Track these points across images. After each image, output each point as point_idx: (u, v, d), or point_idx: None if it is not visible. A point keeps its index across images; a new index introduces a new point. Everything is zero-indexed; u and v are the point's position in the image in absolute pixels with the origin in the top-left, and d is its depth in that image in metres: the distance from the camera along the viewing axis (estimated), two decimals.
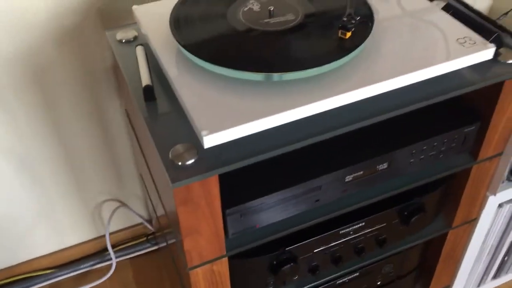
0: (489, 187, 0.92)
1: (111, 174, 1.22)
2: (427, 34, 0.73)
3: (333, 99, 0.63)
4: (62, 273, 1.30)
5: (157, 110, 0.70)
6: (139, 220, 1.34)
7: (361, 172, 0.76)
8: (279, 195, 0.71)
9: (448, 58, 0.68)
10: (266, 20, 0.72)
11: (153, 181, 0.88)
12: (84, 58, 0.99)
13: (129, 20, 0.87)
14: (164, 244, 1.07)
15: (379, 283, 1.02)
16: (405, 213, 0.87)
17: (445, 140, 0.78)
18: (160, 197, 0.84)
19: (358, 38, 0.68)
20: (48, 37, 0.93)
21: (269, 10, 0.73)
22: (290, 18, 0.73)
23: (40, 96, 1.00)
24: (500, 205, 0.99)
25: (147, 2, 0.81)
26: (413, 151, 0.77)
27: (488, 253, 1.10)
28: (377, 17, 0.75)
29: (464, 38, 0.71)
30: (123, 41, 0.82)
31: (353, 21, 0.66)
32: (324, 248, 0.84)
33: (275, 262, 0.81)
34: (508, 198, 0.98)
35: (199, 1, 0.77)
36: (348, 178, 0.75)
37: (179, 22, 0.73)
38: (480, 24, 0.77)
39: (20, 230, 1.20)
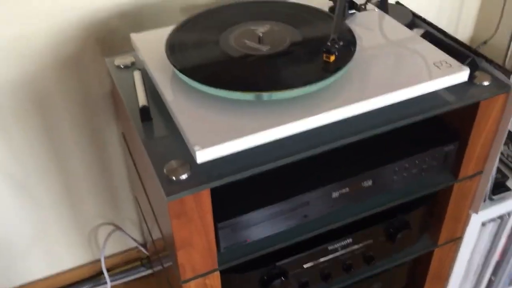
0: (471, 205, 0.96)
1: (107, 198, 1.25)
2: (407, 58, 0.78)
3: (318, 117, 0.68)
4: None
5: (153, 130, 0.74)
6: (134, 244, 1.37)
7: (347, 189, 0.79)
8: (269, 209, 0.74)
9: (425, 79, 0.73)
10: (255, 46, 0.77)
11: (148, 200, 0.91)
12: (83, 84, 1.03)
13: (127, 47, 0.92)
14: (159, 267, 1.09)
15: None
16: (391, 229, 0.91)
17: (426, 159, 0.82)
18: (155, 215, 0.88)
19: (342, 61, 0.73)
20: (48, 64, 0.97)
21: (259, 37, 0.78)
22: (278, 43, 0.77)
23: (39, 120, 1.04)
24: (484, 224, 1.02)
25: (143, 31, 0.86)
26: (396, 169, 0.81)
27: (474, 273, 1.13)
28: (360, 42, 0.80)
29: (440, 61, 0.76)
30: (121, 66, 0.86)
31: (337, 46, 0.71)
32: (314, 264, 0.87)
33: (265, 277, 0.83)
34: (491, 217, 1.02)
35: (193, 29, 0.82)
36: (335, 194, 0.79)
37: (174, 47, 0.77)
38: (456, 49, 0.82)
39: (14, 253, 1.22)
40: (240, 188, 0.75)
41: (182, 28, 0.82)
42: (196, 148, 0.63)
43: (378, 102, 0.71)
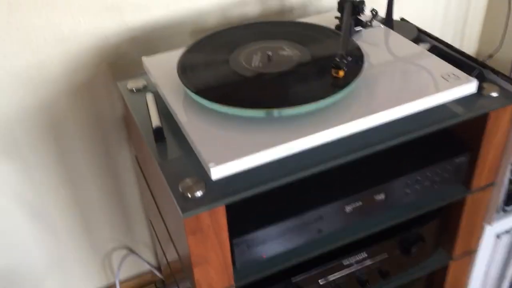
0: (485, 217, 0.96)
1: (120, 222, 1.26)
2: (414, 71, 0.79)
3: (328, 132, 0.69)
4: None
5: (167, 150, 0.75)
6: (148, 268, 1.37)
7: (360, 203, 0.80)
8: (283, 224, 0.75)
9: (434, 91, 0.74)
10: (265, 64, 0.79)
11: (163, 221, 0.92)
12: (95, 110, 1.05)
13: (138, 71, 0.94)
14: None
15: None
16: (405, 243, 0.91)
17: (438, 171, 0.83)
18: (170, 235, 0.88)
19: (350, 77, 0.74)
20: (61, 90, 0.99)
21: (268, 55, 0.79)
22: (287, 61, 0.79)
23: (53, 147, 1.06)
24: (498, 236, 1.02)
25: (153, 54, 0.89)
26: (408, 182, 0.82)
27: (491, 286, 1.12)
28: (368, 58, 0.82)
29: (448, 74, 0.77)
30: (134, 90, 0.88)
31: (345, 61, 0.72)
32: (329, 280, 0.87)
33: None
34: (506, 228, 1.01)
35: (203, 50, 0.84)
36: (348, 208, 0.79)
37: (185, 69, 0.79)
38: (463, 62, 0.84)
39: (30, 281, 1.23)
40: (254, 204, 0.76)
41: (192, 50, 0.84)
42: (210, 165, 0.64)
43: (388, 116, 0.72)
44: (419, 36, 0.95)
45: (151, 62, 0.87)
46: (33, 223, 1.14)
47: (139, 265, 1.36)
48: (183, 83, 0.76)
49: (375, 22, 0.91)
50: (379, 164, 0.83)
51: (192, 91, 0.74)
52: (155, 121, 0.76)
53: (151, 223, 1.22)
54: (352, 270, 0.89)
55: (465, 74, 0.77)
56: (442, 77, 0.77)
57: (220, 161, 0.65)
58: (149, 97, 0.82)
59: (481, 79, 0.78)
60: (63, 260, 1.24)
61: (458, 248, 0.99)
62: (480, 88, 0.79)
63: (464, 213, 0.92)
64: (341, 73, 0.73)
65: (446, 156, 0.83)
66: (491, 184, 0.90)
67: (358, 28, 0.89)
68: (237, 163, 0.65)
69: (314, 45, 0.83)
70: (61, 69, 0.97)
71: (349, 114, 0.71)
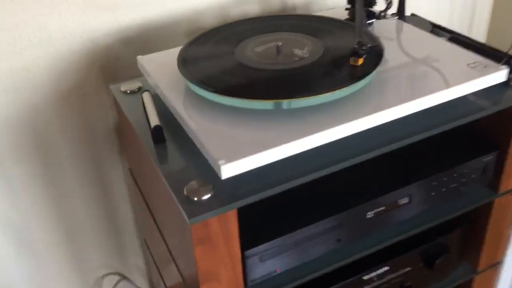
0: None
1: (112, 245, 1.17)
2: (438, 61, 0.72)
3: (348, 125, 0.61)
4: None
5: (167, 152, 0.67)
6: None
7: (383, 208, 0.72)
8: (300, 233, 0.67)
9: (462, 81, 0.67)
10: (273, 55, 0.72)
11: (163, 237, 0.83)
12: (85, 119, 0.97)
13: (130, 75, 0.86)
14: None
15: None
16: (429, 254, 0.83)
17: (465, 171, 0.76)
18: (171, 253, 0.79)
19: (370, 66, 0.67)
20: (47, 97, 0.91)
21: (277, 46, 0.72)
22: (297, 53, 0.72)
23: (38, 161, 0.97)
24: None
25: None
26: (434, 183, 0.74)
27: None
28: (386, 49, 0.75)
29: (474, 63, 0.71)
30: (128, 91, 0.81)
31: (364, 48, 0.66)
32: None
33: None
34: None
35: (206, 43, 0.77)
36: (370, 214, 0.71)
37: (186, 61, 0.72)
38: (486, 51, 0.77)
39: None
40: (265, 211, 0.68)
41: (194, 43, 0.77)
42: (221, 162, 0.56)
43: (413, 107, 0.65)
44: (433, 30, 0.88)
45: (146, 61, 0.79)
46: (14, 245, 1.04)
47: None
48: (183, 75, 0.69)
49: (388, 14, 0.85)
50: (400, 163, 0.75)
51: (193, 83, 0.67)
52: (154, 120, 0.68)
53: (146, 244, 1.13)
54: (373, 285, 0.80)
55: (493, 62, 0.71)
56: (469, 66, 0.70)
57: (230, 158, 0.57)
58: (146, 96, 0.74)
59: (509, 67, 0.71)
60: (48, 287, 1.14)
61: (483, 260, 0.91)
62: (508, 79, 0.72)
63: (491, 219, 0.85)
64: (360, 61, 0.66)
65: (473, 155, 0.76)
66: None
67: (370, 21, 0.82)
68: (249, 161, 0.58)
69: (326, 37, 0.76)
70: (47, 73, 0.89)
71: (370, 106, 0.64)
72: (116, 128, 1.01)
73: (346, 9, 0.83)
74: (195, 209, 0.57)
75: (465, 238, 0.88)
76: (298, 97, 0.62)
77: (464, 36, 0.84)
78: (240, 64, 0.71)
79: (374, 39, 0.73)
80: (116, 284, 1.22)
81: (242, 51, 0.73)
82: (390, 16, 0.84)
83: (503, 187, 0.81)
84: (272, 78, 0.68)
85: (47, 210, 1.03)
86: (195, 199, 0.58)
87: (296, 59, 0.70)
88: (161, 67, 0.76)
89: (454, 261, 0.89)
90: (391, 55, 0.75)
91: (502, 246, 0.91)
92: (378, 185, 0.72)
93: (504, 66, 0.69)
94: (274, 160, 0.59)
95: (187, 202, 0.58)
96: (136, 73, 0.84)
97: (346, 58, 0.68)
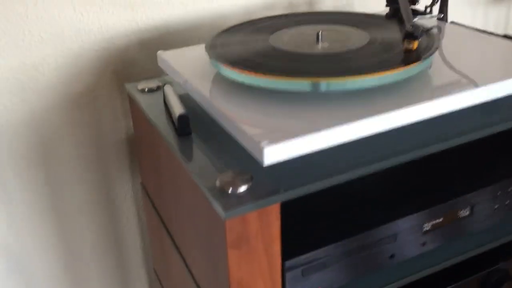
0: None
1: (117, 278, 1.05)
2: (493, 53, 0.65)
3: (414, 109, 0.53)
4: None
5: (192, 146, 0.58)
6: None
7: (441, 219, 0.62)
8: (348, 243, 0.56)
9: None
10: (313, 42, 0.64)
11: (181, 255, 0.72)
12: (96, 131, 0.88)
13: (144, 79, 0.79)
14: None
15: None
16: (488, 283, 0.71)
17: None
18: (191, 273, 0.68)
19: (425, 51, 0.59)
20: (56, 101, 0.82)
21: (317, 33, 0.64)
22: (340, 40, 0.64)
23: (40, 172, 0.87)
24: None
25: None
26: (498, 193, 0.64)
27: None
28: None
29: None
30: (146, 89, 0.72)
31: (421, 29, 0.58)
32: None
33: None
34: None
35: (239, 32, 0.70)
36: (426, 226, 0.61)
37: (216, 46, 0.64)
38: None
39: None
40: (307, 217, 0.58)
41: (225, 32, 0.69)
42: (263, 143, 0.47)
43: (482, 94, 0.56)
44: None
45: (168, 56, 0.71)
46: (13, 275, 0.93)
47: None
48: (213, 57, 0.61)
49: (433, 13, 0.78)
50: (456, 167, 0.66)
51: (224, 63, 0.59)
52: (179, 111, 0.59)
53: (156, 275, 1.01)
54: None
55: None
56: None
57: (274, 139, 0.48)
58: (168, 88, 0.66)
59: None
60: None
61: None
62: None
63: None
64: (416, 44, 0.58)
65: None
66: None
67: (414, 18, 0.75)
68: (296, 144, 0.48)
69: (371, 28, 0.69)
70: (57, 75, 0.80)
71: (427, 93, 0.56)
72: (127, 139, 0.91)
73: (387, 5, 0.76)
74: (230, 201, 0.47)
75: None
76: (348, 76, 0.54)
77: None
78: (274, 48, 0.63)
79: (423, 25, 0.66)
80: None
81: (278, 38, 0.66)
82: (435, 15, 0.77)
83: None
84: (312, 61, 0.60)
85: (41, 232, 0.92)
86: (230, 191, 0.48)
87: (340, 44, 0.62)
88: (185, 61, 0.69)
89: None
90: (442, 45, 0.67)
91: None
92: (434, 193, 0.62)
93: None
94: (325, 146, 0.50)
95: (221, 194, 0.48)
96: (153, 76, 0.77)
97: (397, 45, 0.60)
